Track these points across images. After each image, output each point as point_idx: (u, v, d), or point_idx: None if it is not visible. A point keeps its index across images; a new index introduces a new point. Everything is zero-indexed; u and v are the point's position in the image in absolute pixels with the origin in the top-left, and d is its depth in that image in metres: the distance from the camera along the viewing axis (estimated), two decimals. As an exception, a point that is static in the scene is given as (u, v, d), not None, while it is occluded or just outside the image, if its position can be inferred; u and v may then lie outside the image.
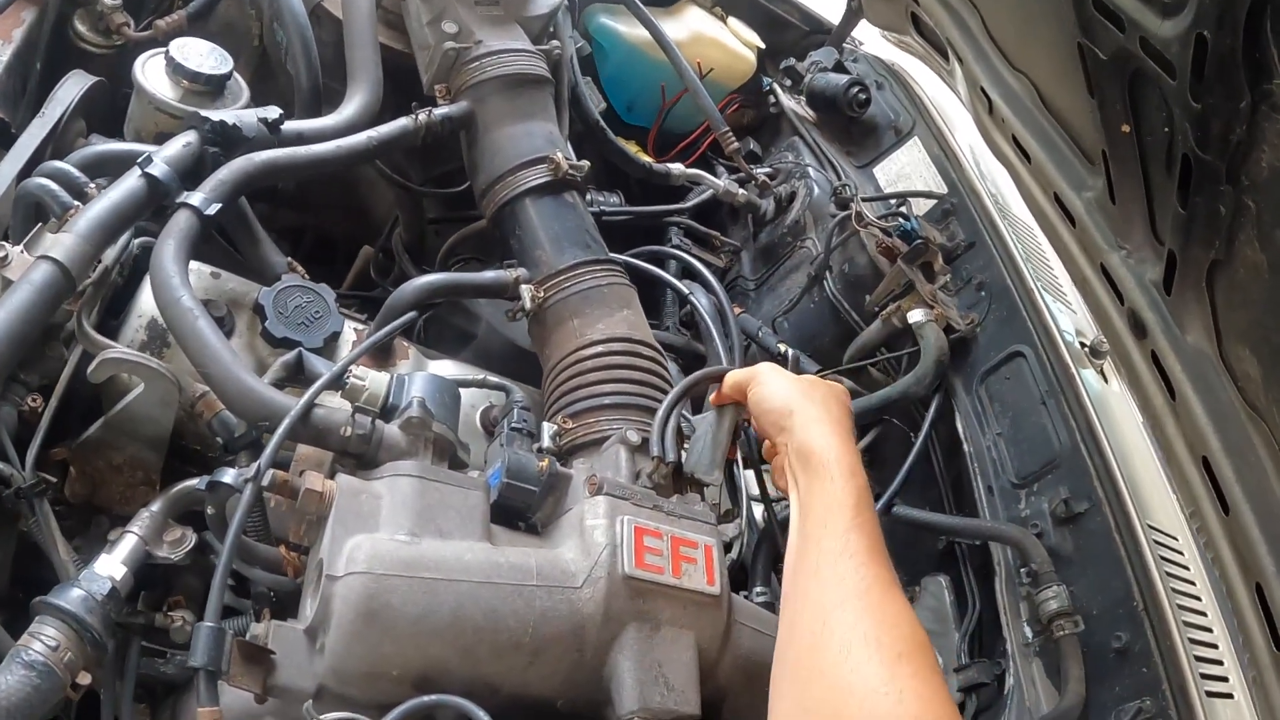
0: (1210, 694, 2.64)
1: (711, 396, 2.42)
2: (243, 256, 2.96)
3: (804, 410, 2.08)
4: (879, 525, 1.88)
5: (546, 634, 2.05)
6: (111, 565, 2.14)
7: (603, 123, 4.06)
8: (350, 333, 2.82)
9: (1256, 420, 1.92)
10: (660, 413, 2.41)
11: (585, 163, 3.18)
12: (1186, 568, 2.93)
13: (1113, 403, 3.25)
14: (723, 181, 4.23)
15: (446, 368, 2.97)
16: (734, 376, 2.32)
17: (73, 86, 2.96)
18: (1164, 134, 1.89)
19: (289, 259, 2.98)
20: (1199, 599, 2.87)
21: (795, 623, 1.77)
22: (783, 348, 2.52)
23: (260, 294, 2.72)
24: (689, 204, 4.30)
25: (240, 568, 2.29)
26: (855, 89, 4.32)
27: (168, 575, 2.36)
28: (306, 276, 2.87)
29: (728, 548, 2.69)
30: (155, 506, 2.30)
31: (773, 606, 2.68)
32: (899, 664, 1.58)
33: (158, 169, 2.53)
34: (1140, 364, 2.27)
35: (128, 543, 2.21)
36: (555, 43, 3.59)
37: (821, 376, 3.37)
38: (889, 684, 1.55)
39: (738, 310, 3.86)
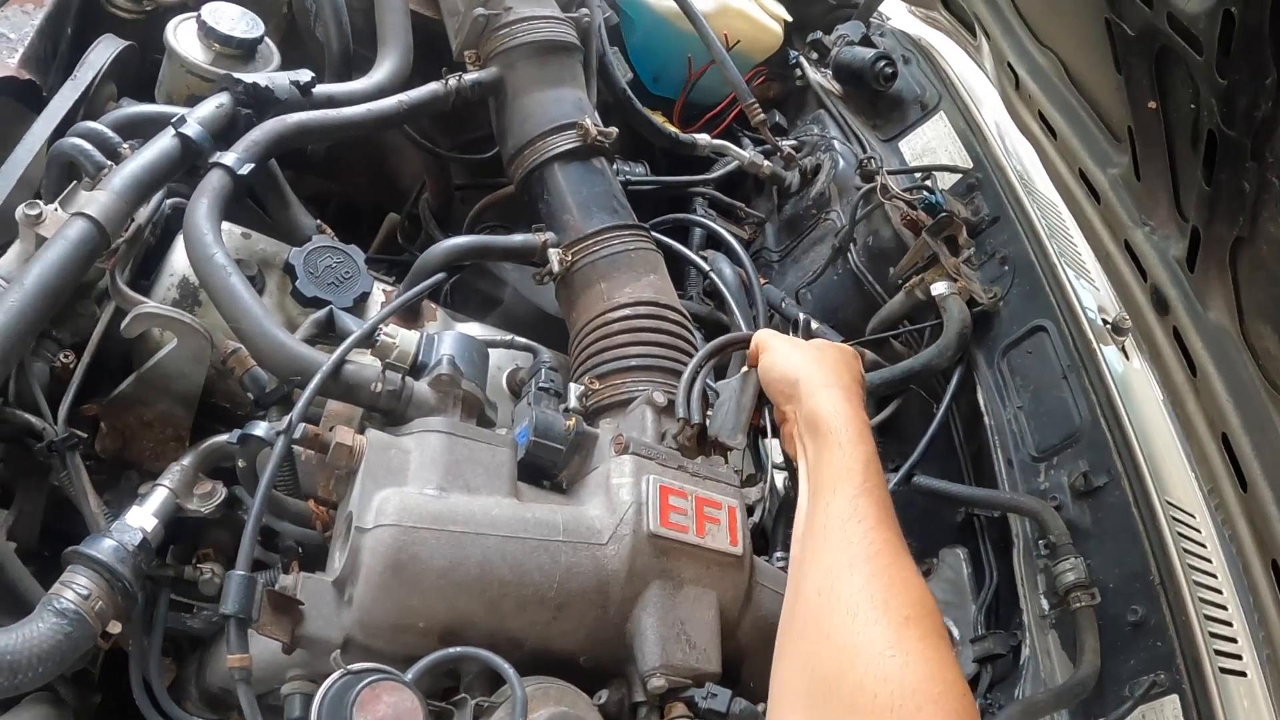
0: (1224, 670, 2.63)
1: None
2: (273, 219, 2.99)
3: (811, 377, 2.09)
4: (888, 491, 1.88)
5: (571, 589, 2.07)
6: (142, 517, 2.16)
7: (630, 92, 4.06)
8: (379, 293, 2.85)
9: (1277, 398, 1.92)
10: (686, 375, 2.42)
11: (613, 129, 3.21)
12: (1203, 545, 2.92)
13: (1134, 379, 3.24)
14: (748, 153, 4.24)
15: (473, 329, 2.99)
16: (756, 341, 2.33)
17: (104, 50, 2.99)
18: (1190, 110, 1.90)
19: (318, 221, 3.01)
20: (1215, 576, 2.87)
21: (803, 584, 1.77)
22: (800, 315, 2.53)
23: (291, 254, 2.76)
24: (714, 175, 4.32)
25: (269, 521, 2.32)
26: (882, 63, 4.32)
27: (197, 529, 2.39)
28: (336, 238, 2.90)
29: (750, 511, 2.70)
30: (186, 460, 2.32)
31: (792, 573, 2.71)
32: (906, 627, 1.58)
33: (191, 129, 2.57)
34: (1162, 340, 2.28)
35: (158, 495, 2.23)
36: (584, 10, 3.60)
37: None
38: (895, 646, 1.55)
39: (761, 281, 3.89)
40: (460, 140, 3.87)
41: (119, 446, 2.50)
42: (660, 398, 2.47)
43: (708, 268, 3.76)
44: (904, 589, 1.66)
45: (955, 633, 3.10)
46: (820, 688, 1.61)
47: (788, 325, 3.70)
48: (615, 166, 3.93)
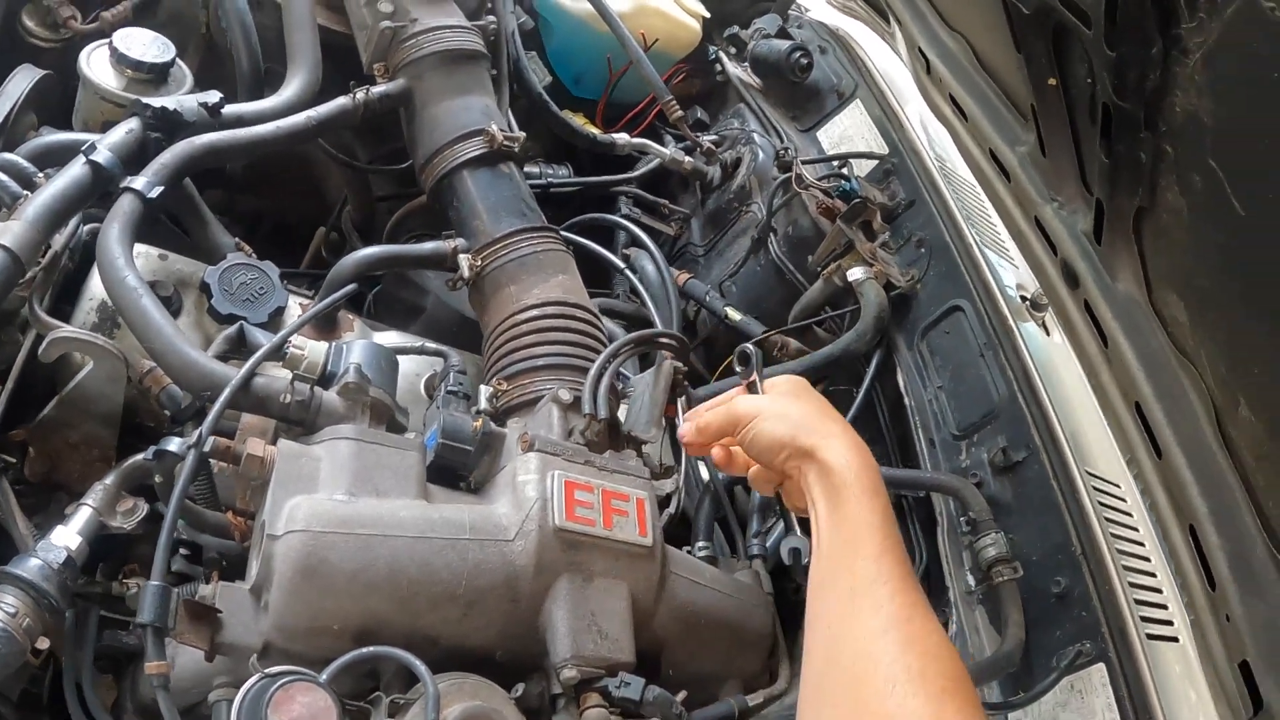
0: (1152, 636, 2.63)
1: (684, 432, 2.24)
2: (192, 239, 3.03)
3: (811, 431, 2.02)
4: (904, 545, 1.87)
5: (480, 585, 2.12)
6: (67, 536, 2.21)
7: (546, 96, 4.11)
8: (295, 307, 2.89)
9: (1186, 364, 1.94)
10: (592, 371, 2.45)
11: (521, 134, 3.25)
12: (1129, 513, 2.93)
13: (1055, 354, 3.24)
14: (669, 150, 4.27)
15: (390, 338, 3.03)
16: (726, 418, 2.17)
17: (22, 80, 3.02)
18: (1087, 85, 1.91)
19: (237, 239, 3.04)
20: (1142, 544, 2.87)
21: (833, 652, 1.77)
22: (750, 348, 2.46)
23: (206, 273, 2.80)
24: (636, 173, 4.34)
25: (190, 534, 2.37)
26: (797, 54, 4.34)
27: (124, 545, 2.42)
28: (253, 255, 2.94)
29: (666, 502, 2.74)
30: (109, 479, 2.35)
31: (715, 561, 2.73)
32: (944, 700, 1.59)
33: (101, 156, 2.61)
34: (1074, 314, 2.29)
35: (82, 515, 2.27)
36: (490, 18, 3.65)
37: (767, 337, 3.45)
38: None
39: (685, 276, 3.93)
40: (383, 151, 3.90)
41: (47, 469, 2.54)
42: (566, 395, 2.50)
43: (622, 265, 3.81)
44: (938, 658, 1.66)
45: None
46: None
47: (713, 319, 3.78)
48: (539, 170, 3.98)
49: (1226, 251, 1.74)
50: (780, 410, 2.12)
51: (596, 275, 3.84)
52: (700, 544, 2.88)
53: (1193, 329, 1.91)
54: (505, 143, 3.14)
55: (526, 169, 3.97)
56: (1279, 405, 1.71)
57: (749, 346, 2.31)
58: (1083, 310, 2.25)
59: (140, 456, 2.36)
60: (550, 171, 4.14)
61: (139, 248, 2.72)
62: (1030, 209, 2.37)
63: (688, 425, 2.24)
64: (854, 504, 1.89)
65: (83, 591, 2.32)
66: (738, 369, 2.37)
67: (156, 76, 3.08)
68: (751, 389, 2.25)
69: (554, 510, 2.20)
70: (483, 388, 2.62)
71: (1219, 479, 1.91)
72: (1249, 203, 1.56)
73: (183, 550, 2.43)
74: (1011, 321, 3.25)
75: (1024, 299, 3.44)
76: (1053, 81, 2.08)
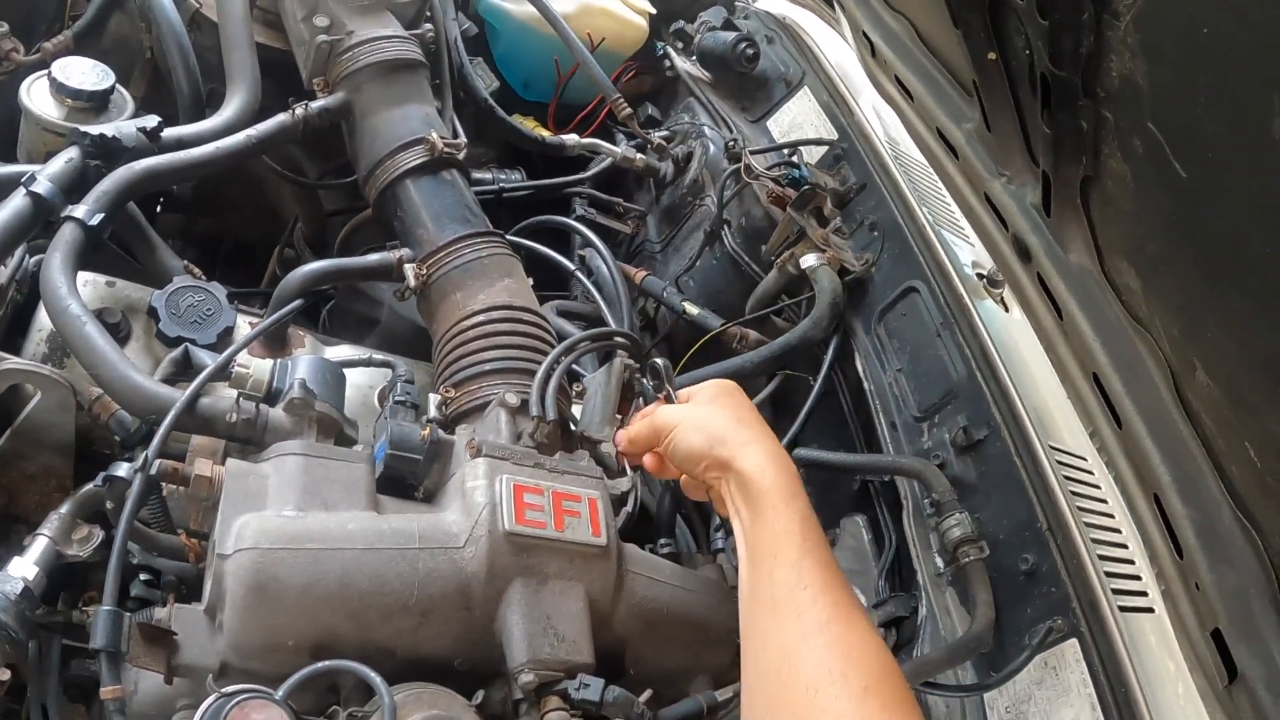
0: (1125, 609, 2.62)
1: (618, 441, 2.41)
2: (141, 264, 3.02)
3: (724, 441, 2.08)
4: (828, 546, 1.90)
5: (432, 594, 2.11)
6: (23, 566, 2.22)
7: (492, 101, 4.13)
8: (245, 326, 2.89)
9: (1141, 332, 1.93)
10: (539, 373, 2.45)
11: (462, 140, 3.23)
12: (1097, 486, 2.92)
13: (1015, 330, 3.23)
14: (620, 148, 4.29)
15: (342, 351, 3.03)
16: (649, 430, 2.29)
17: (-35, 116, 3.03)
18: (1025, 56, 1.91)
19: (185, 262, 3.04)
20: (1111, 516, 2.87)
21: (759, 661, 1.79)
22: (660, 361, 2.49)
23: (153, 297, 2.80)
24: (588, 174, 4.36)
25: (146, 558, 2.37)
26: (743, 45, 4.35)
27: (84, 573, 2.42)
28: (203, 277, 2.94)
29: (623, 501, 2.74)
30: (64, 508, 2.37)
31: (678, 558, 2.73)
32: (867, 698, 1.60)
33: (41, 186, 2.61)
34: (1029, 288, 2.29)
35: (39, 545, 2.29)
36: (428, 26, 3.65)
37: (726, 329, 3.45)
38: (858, 719, 1.58)
39: (643, 273, 3.93)
40: (332, 166, 3.90)
41: (5, 502, 2.54)
42: (513, 398, 2.49)
43: (573, 267, 3.82)
44: (861, 657, 1.68)
45: (861, 599, 3.12)
46: None
47: (672, 315, 3.78)
48: (491, 175, 3.99)
49: (1172, 215, 1.74)
50: (698, 421, 2.16)
51: (557, 278, 3.86)
52: (663, 541, 2.88)
53: (1145, 296, 1.91)
54: (446, 150, 3.13)
55: (479, 175, 3.99)
56: (1235, 367, 1.72)
57: (657, 361, 2.35)
58: (1036, 284, 2.25)
59: (93, 484, 2.37)
60: (503, 177, 4.14)
61: (86, 276, 2.73)
62: (979, 185, 2.37)
63: (621, 435, 2.34)
64: (771, 511, 1.92)
65: (45, 622, 2.31)
66: (650, 384, 2.39)
67: (97, 104, 3.08)
68: (668, 400, 2.29)
69: (503, 515, 2.18)
70: (432, 396, 2.63)
71: (1180, 446, 1.91)
72: (1189, 165, 1.57)
73: (144, 575, 2.43)
74: (967, 300, 3.24)
75: (980, 276, 3.43)
76: (992, 56, 2.08)
